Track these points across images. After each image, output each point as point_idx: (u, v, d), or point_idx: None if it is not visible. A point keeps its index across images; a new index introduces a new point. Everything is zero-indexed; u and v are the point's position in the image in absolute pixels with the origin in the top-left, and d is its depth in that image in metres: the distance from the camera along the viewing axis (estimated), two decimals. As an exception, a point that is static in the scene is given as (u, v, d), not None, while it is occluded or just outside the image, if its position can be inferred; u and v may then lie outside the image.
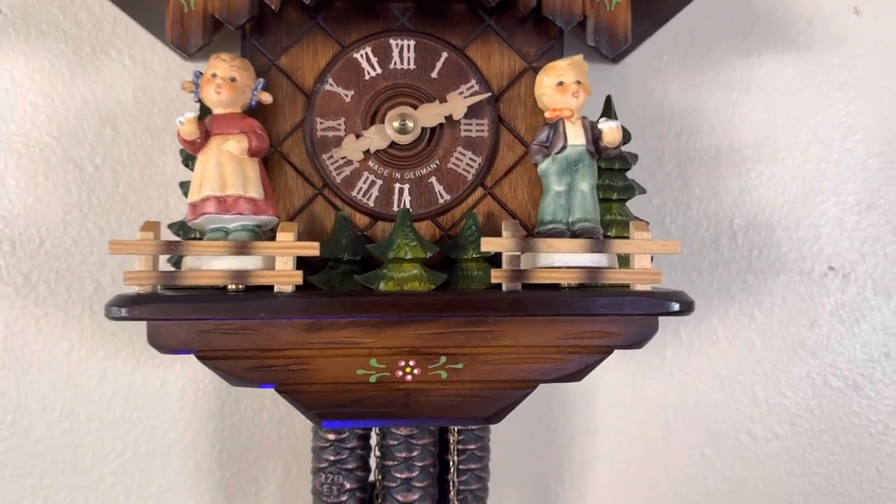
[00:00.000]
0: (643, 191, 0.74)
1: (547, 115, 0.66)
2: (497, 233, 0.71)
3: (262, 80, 0.67)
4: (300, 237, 0.69)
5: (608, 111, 0.72)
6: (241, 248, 0.60)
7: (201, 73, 0.66)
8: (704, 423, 0.98)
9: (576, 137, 0.65)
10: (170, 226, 0.73)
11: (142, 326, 0.93)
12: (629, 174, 0.72)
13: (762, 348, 0.98)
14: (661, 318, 0.63)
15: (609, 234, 0.69)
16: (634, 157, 0.72)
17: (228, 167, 0.63)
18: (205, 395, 0.94)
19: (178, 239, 0.65)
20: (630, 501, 0.98)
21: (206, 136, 0.64)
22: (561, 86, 0.65)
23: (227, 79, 0.64)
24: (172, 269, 0.69)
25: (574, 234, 0.64)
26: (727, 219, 0.98)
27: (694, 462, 0.98)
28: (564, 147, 0.65)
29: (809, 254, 0.98)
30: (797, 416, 0.98)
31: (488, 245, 0.61)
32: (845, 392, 0.98)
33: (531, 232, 0.71)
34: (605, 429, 0.97)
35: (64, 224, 0.93)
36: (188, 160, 0.70)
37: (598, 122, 0.65)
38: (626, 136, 0.68)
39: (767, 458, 0.98)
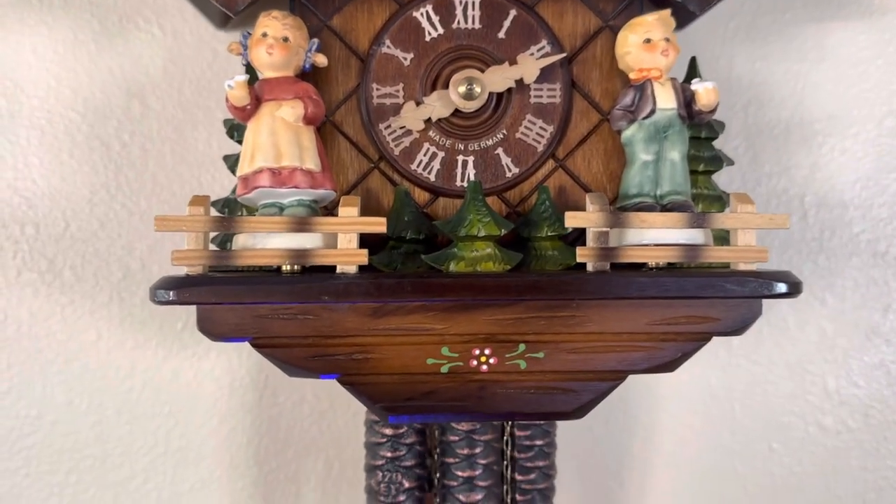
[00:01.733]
0: (731, 162, 0.67)
1: (632, 76, 0.60)
2: (570, 208, 0.65)
3: (316, 40, 0.60)
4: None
5: (693, 73, 0.66)
6: (301, 225, 0.54)
7: (250, 34, 0.60)
8: (772, 414, 0.92)
9: (666, 101, 0.59)
10: (213, 203, 0.67)
11: (174, 314, 0.88)
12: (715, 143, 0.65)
13: (833, 335, 0.91)
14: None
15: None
16: (721, 125, 0.66)
17: (283, 136, 0.56)
18: (241, 387, 0.89)
19: (227, 215, 0.59)
20: (694, 497, 0.92)
21: (256, 102, 0.58)
22: (648, 43, 0.59)
23: (279, 38, 0.58)
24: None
25: (664, 209, 0.58)
26: (797, 197, 0.91)
27: (761, 456, 0.92)
28: (653, 111, 0.59)
29: (884, 234, 0.91)
30: (870, 406, 0.92)
31: (573, 220, 0.55)
32: (923, 381, 0.92)
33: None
34: (667, 422, 0.91)
35: (90, 205, 0.88)
36: (233, 130, 0.63)
37: (691, 82, 0.59)
38: (719, 128, 0.62)
39: (839, 452, 0.92)
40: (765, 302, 0.58)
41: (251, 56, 0.59)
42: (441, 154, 0.64)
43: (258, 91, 0.58)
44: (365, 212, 0.64)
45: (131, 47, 0.88)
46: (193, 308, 0.56)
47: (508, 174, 0.65)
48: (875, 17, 0.91)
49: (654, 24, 0.59)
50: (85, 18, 0.88)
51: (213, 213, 0.67)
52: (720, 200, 0.65)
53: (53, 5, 0.87)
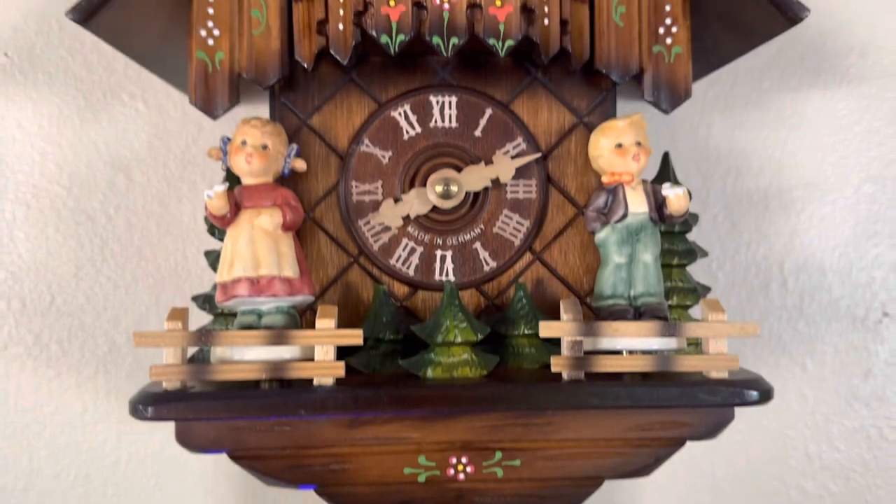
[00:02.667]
0: (705, 254, 0.68)
1: (604, 179, 0.61)
2: (547, 301, 0.66)
3: (295, 145, 0.61)
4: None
5: (666, 170, 0.67)
6: (278, 338, 0.55)
7: (229, 139, 0.61)
8: (754, 480, 0.93)
9: (637, 204, 0.60)
10: (194, 298, 0.68)
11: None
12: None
13: (814, 400, 0.92)
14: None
15: (671, 302, 0.64)
16: (695, 217, 0.67)
17: (261, 245, 0.57)
18: (226, 460, 0.89)
19: (208, 326, 0.60)
20: (677, 564, 0.93)
21: (235, 209, 0.59)
22: (620, 148, 0.60)
23: (258, 146, 0.59)
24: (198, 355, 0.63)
25: (637, 310, 0.59)
26: (777, 263, 0.92)
27: (744, 522, 0.93)
28: (625, 215, 0.60)
29: (863, 299, 0.92)
30: (851, 471, 0.93)
31: (548, 331, 0.55)
32: (903, 446, 0.93)
33: (583, 300, 0.66)
34: (649, 488, 0.92)
35: (76, 279, 0.88)
36: (214, 229, 0.64)
37: (661, 186, 0.60)
38: (693, 222, 0.63)
39: (820, 516, 0.93)
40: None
41: (231, 162, 0.60)
42: (420, 249, 0.65)
43: (238, 197, 0.59)
44: (345, 306, 0.65)
45: (116, 122, 0.88)
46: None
47: (486, 268, 0.66)
48: (852, 85, 0.92)
49: (625, 129, 0.60)
50: (70, 94, 0.88)
51: (195, 306, 0.68)
52: (695, 292, 0.66)
53: (38, 80, 0.88)
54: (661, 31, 0.63)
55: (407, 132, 0.65)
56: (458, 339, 0.58)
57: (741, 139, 0.92)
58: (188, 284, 0.89)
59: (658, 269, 0.60)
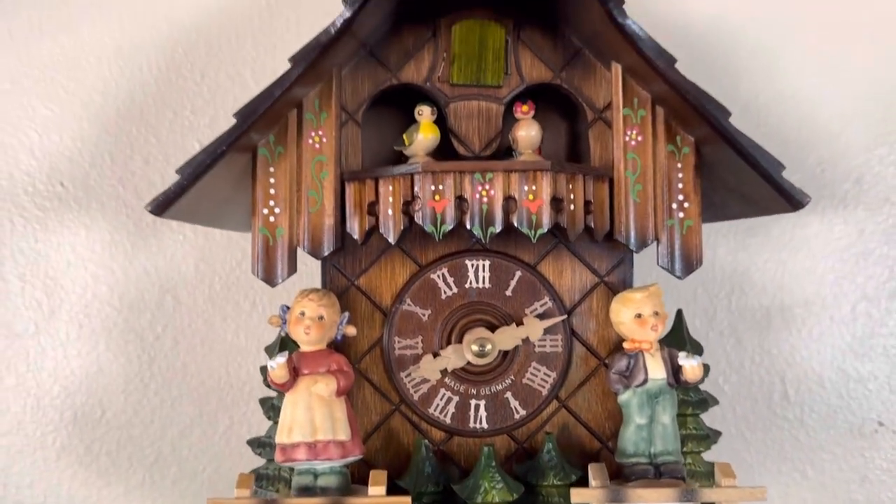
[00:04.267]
0: (716, 402, 0.75)
1: (626, 345, 0.68)
2: (573, 445, 0.72)
3: (347, 313, 0.68)
4: (376, 453, 0.71)
5: (680, 326, 0.73)
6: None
7: (288, 308, 0.67)
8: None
9: (656, 371, 0.66)
10: (249, 442, 0.74)
11: (204, 492, 0.94)
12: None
13: (814, 504, 0.99)
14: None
15: (685, 449, 0.70)
16: (707, 367, 0.74)
17: (318, 412, 0.64)
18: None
19: (273, 496, 0.66)
20: None
21: (294, 374, 0.65)
22: (639, 318, 0.67)
23: (315, 318, 0.65)
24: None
25: (656, 468, 0.65)
26: (779, 376, 0.99)
27: None
28: (645, 380, 0.66)
29: (859, 410, 0.99)
30: (849, 569, 0.99)
31: (579, 497, 0.62)
32: (897, 550, 0.99)
33: (605, 443, 0.72)
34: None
35: (125, 394, 0.95)
36: (271, 411, 0.71)
37: (678, 354, 0.67)
38: (706, 372, 0.69)
39: None
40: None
41: (290, 330, 0.66)
42: (456, 398, 0.72)
43: (297, 363, 0.66)
44: (386, 450, 0.72)
45: (165, 247, 0.95)
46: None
47: (517, 416, 0.72)
48: (848, 210, 0.99)
49: (643, 301, 0.67)
50: (121, 220, 0.95)
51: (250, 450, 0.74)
52: (707, 438, 0.72)
53: (91, 208, 0.95)
54: (675, 206, 0.70)
55: (445, 292, 0.72)
56: (496, 500, 0.64)
57: (745, 261, 0.99)
58: (230, 398, 0.96)
59: (675, 429, 0.67)
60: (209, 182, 0.66)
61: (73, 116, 0.95)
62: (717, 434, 0.74)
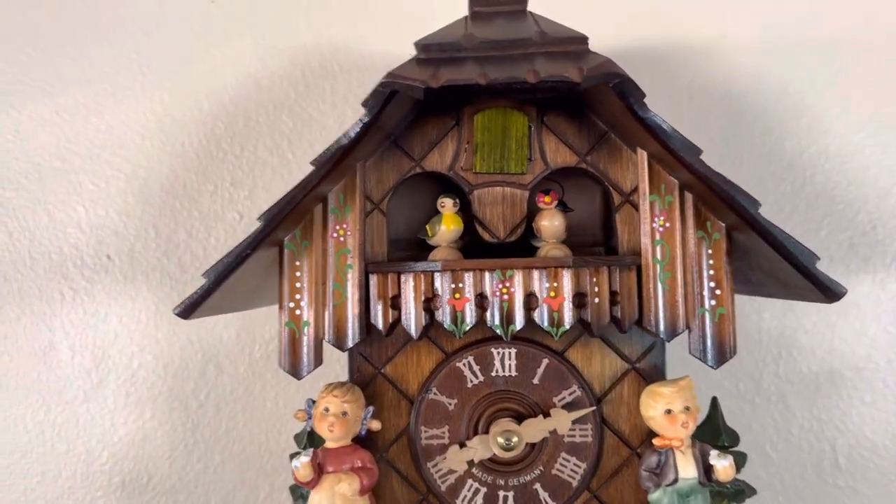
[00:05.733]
0: (754, 492, 0.72)
1: (656, 441, 0.66)
2: (604, 536, 0.71)
3: (371, 408, 0.68)
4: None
5: (715, 413, 0.71)
6: None
7: (314, 402, 0.68)
8: None
9: (687, 470, 0.65)
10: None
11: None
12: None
13: (869, 575, 0.95)
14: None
15: (720, 542, 0.69)
16: (743, 456, 0.71)
17: (343, 510, 0.64)
18: None
19: None
20: None
21: (319, 470, 0.66)
22: (669, 414, 0.65)
23: (338, 414, 0.66)
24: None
25: (689, 571, 0.64)
26: (829, 444, 0.95)
27: None
28: (676, 480, 0.65)
29: (916, 478, 0.94)
30: None
31: None
32: None
33: (637, 534, 0.71)
34: None
35: (170, 460, 0.97)
36: (298, 499, 0.71)
37: (710, 455, 0.65)
38: (741, 462, 0.67)
39: None
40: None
41: (315, 425, 0.67)
42: (483, 489, 0.71)
43: (322, 459, 0.66)
44: (415, 541, 0.72)
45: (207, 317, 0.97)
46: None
47: (546, 507, 0.71)
48: (899, 267, 0.95)
49: (673, 395, 0.65)
50: (165, 291, 0.98)
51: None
52: (745, 530, 0.70)
53: (137, 280, 0.98)
54: (706, 293, 0.68)
55: (471, 381, 0.72)
56: None
57: (792, 323, 0.96)
58: (270, 465, 0.97)
59: (708, 527, 0.65)
60: (236, 279, 0.67)
61: (118, 191, 0.98)
62: (757, 524, 0.72)
